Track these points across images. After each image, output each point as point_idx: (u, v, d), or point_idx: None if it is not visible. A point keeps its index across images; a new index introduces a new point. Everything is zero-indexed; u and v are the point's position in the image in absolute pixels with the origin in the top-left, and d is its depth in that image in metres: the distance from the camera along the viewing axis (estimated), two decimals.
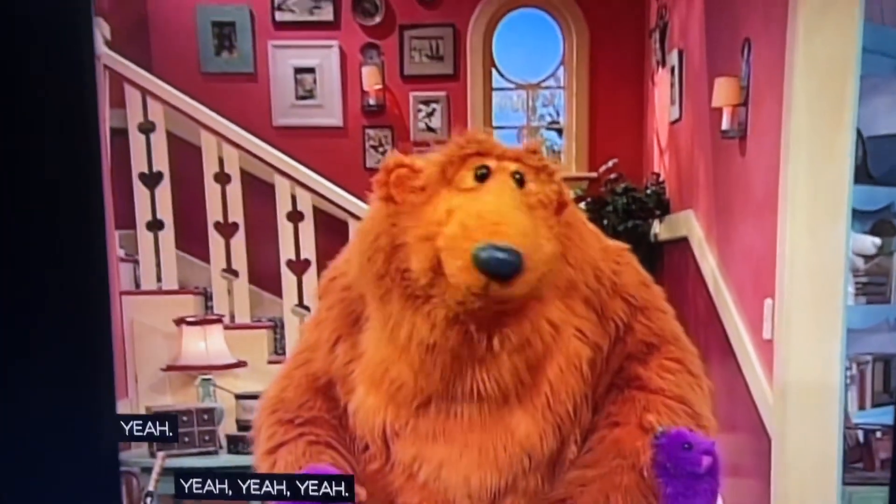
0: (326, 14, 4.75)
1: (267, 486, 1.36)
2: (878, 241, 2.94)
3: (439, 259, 1.44)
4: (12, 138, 1.03)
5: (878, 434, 2.74)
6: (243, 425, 3.65)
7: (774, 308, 2.77)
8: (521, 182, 1.50)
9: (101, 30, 4.01)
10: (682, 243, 3.90)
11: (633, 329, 1.64)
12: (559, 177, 1.57)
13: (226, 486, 1.37)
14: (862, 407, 2.87)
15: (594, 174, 4.73)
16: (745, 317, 3.08)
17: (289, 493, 1.37)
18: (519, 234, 1.40)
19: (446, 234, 1.43)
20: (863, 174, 2.85)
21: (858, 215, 2.82)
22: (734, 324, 3.13)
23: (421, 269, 1.46)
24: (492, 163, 1.50)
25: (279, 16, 4.76)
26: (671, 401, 1.61)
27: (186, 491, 1.37)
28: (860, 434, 2.78)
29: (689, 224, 3.81)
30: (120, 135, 4.08)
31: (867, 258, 2.94)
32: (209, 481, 1.35)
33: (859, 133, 2.75)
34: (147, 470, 3.17)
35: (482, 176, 1.48)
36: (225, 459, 3.58)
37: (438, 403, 1.56)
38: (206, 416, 3.58)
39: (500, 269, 1.37)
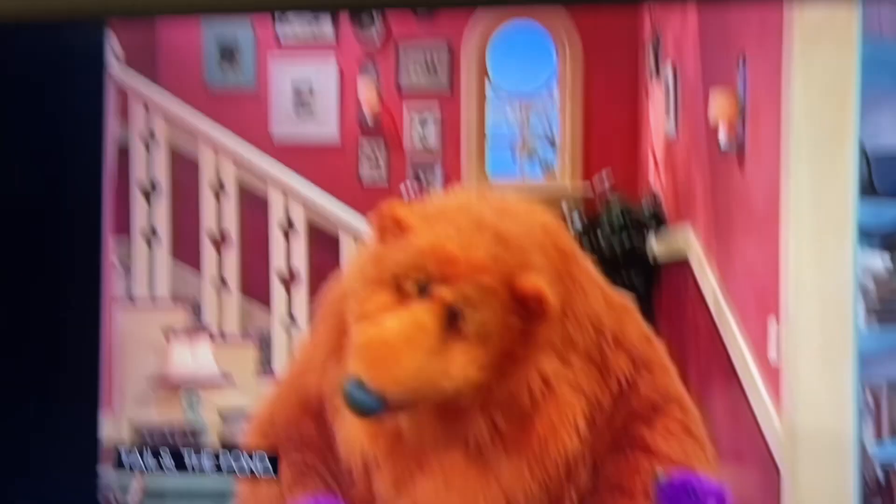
0: (325, 28, 4.49)
1: None
2: (888, 259, 2.67)
3: None
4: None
5: None
6: (227, 441, 3.46)
7: (780, 329, 2.50)
8: (454, 317, 1.31)
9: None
10: (681, 262, 3.61)
11: (636, 386, 1.47)
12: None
13: None
14: (879, 437, 2.57)
15: (588, 190, 4.51)
16: (749, 339, 2.79)
17: None
18: (393, 380, 1.27)
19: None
20: (868, 189, 2.63)
21: (866, 232, 2.55)
22: (738, 347, 2.83)
23: None
24: (434, 287, 1.31)
25: (279, 29, 4.51)
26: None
27: None
28: (880, 472, 2.46)
29: (688, 242, 3.52)
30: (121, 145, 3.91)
31: (878, 277, 2.66)
32: None
33: (863, 148, 2.49)
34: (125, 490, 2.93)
35: (422, 290, 1.32)
36: (208, 480, 3.33)
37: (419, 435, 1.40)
38: (191, 436, 3.35)
39: (357, 409, 1.31)
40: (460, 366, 1.30)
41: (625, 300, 1.56)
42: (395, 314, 1.31)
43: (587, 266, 1.51)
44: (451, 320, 1.30)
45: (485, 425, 1.35)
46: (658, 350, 1.55)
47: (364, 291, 1.36)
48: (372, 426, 1.40)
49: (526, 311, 1.30)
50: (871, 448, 2.48)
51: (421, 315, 1.30)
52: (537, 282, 1.31)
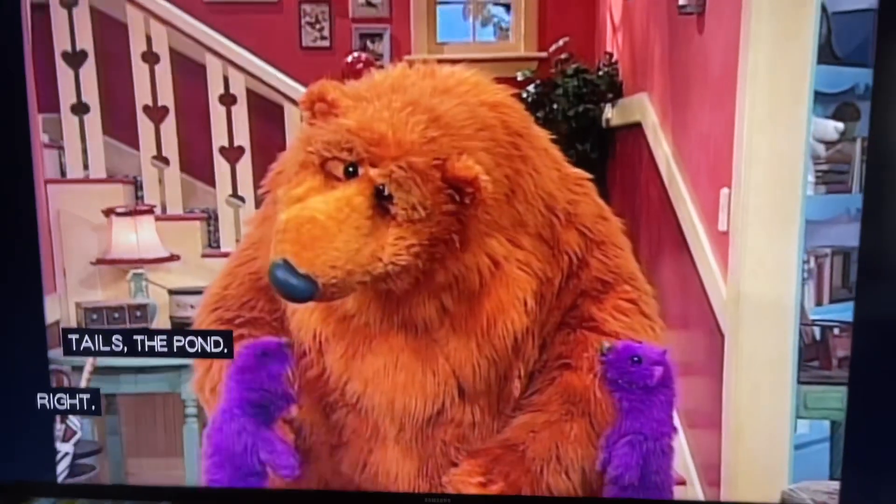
0: None
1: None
2: (840, 125, 2.72)
3: None
4: None
5: (836, 331, 2.57)
6: (177, 322, 3.50)
7: (731, 198, 2.58)
8: (381, 196, 1.34)
9: None
10: (636, 129, 3.64)
11: (588, 264, 1.55)
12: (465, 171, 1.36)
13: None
14: (819, 303, 2.71)
15: (544, 54, 4.43)
16: (700, 207, 2.87)
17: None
18: (322, 262, 1.29)
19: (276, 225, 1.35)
20: (826, 53, 2.65)
21: (820, 98, 2.60)
22: (689, 215, 2.92)
23: None
24: (363, 168, 1.34)
25: None
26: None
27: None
28: (817, 331, 2.61)
29: (642, 108, 3.54)
30: (41, 10, 3.70)
31: (829, 144, 2.73)
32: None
33: (824, 8, 2.55)
34: (78, 368, 3.01)
35: (350, 173, 1.35)
36: (158, 358, 3.40)
37: (367, 318, 1.46)
38: (138, 313, 3.37)
39: (286, 293, 1.30)
40: (391, 248, 1.32)
41: (581, 176, 1.59)
42: (322, 196, 1.32)
43: (541, 143, 1.54)
44: (381, 202, 1.31)
45: (433, 308, 1.42)
46: (612, 227, 1.62)
47: (293, 176, 1.37)
48: (322, 308, 1.45)
49: (461, 195, 1.31)
50: (812, 311, 2.63)
51: (349, 196, 1.32)
52: (472, 166, 1.31)
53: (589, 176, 1.63)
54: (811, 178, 2.63)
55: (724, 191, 2.62)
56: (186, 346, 3.17)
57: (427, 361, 1.46)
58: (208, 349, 1.54)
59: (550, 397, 1.52)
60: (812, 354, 2.63)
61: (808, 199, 2.49)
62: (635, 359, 1.53)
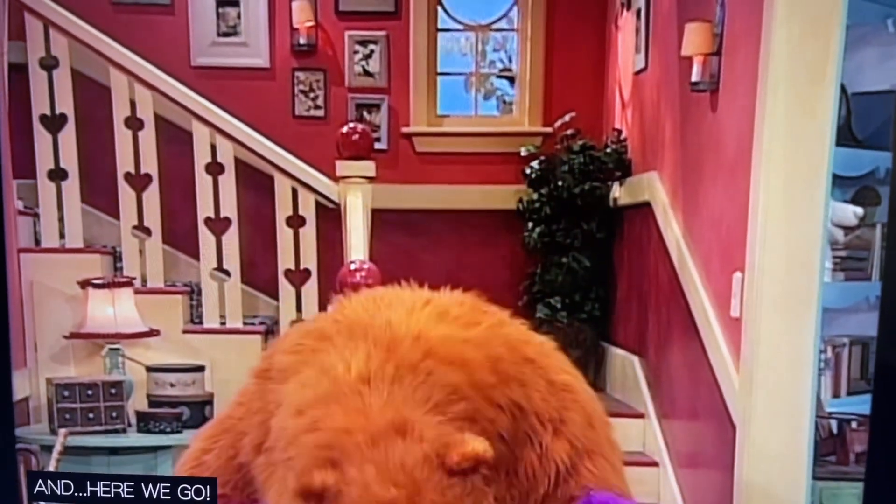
0: None
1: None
2: (860, 210, 2.85)
3: None
4: None
5: (854, 424, 2.66)
6: (155, 401, 3.57)
7: (744, 283, 2.67)
8: None
9: None
10: (645, 209, 3.78)
11: (579, 472, 1.68)
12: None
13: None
14: (836, 394, 2.80)
15: (549, 129, 4.60)
16: (711, 292, 2.97)
17: None
18: None
19: None
20: (846, 135, 2.77)
21: (839, 181, 2.72)
22: (699, 300, 3.02)
23: None
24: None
25: None
26: None
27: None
28: (834, 424, 2.70)
29: (652, 187, 3.68)
30: (19, 71, 3.89)
31: (847, 230, 2.84)
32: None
33: (843, 88, 2.66)
34: (47, 448, 3.08)
35: None
36: (134, 438, 3.47)
37: None
38: (113, 391, 3.45)
39: None
40: None
41: (570, 382, 1.74)
42: None
43: (523, 353, 1.69)
44: None
45: None
46: (602, 436, 1.74)
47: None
48: None
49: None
50: (828, 404, 2.70)
51: None
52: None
53: (575, 380, 1.75)
54: (829, 265, 2.71)
55: (737, 275, 2.71)
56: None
57: None
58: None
59: None
60: (828, 448, 2.70)
61: (825, 285, 2.55)
62: None
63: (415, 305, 1.66)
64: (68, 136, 4.00)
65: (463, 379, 1.55)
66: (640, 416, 3.66)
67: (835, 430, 2.71)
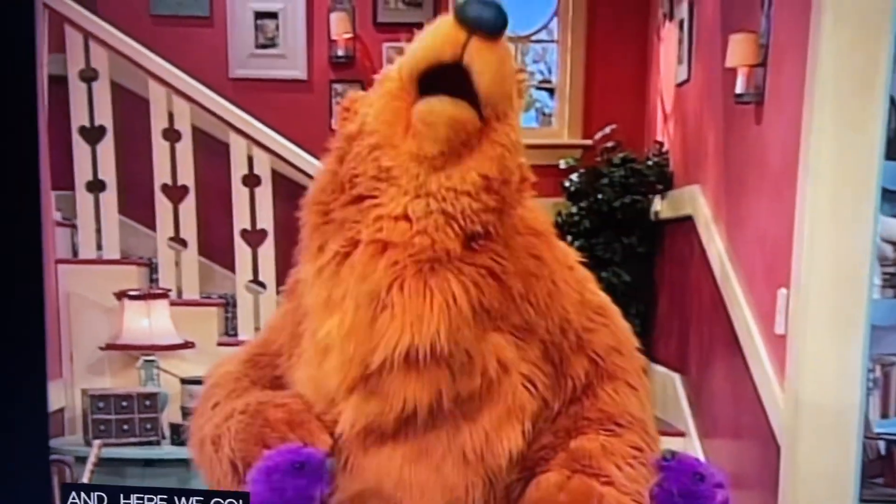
0: None
1: None
2: None
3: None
4: None
5: None
6: (189, 413, 3.57)
7: (789, 299, 2.66)
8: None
9: None
10: (687, 223, 3.77)
11: (596, 395, 1.58)
12: None
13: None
14: (885, 415, 2.76)
15: (589, 141, 4.60)
16: (755, 308, 2.96)
17: None
18: None
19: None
20: (895, 148, 2.77)
21: (889, 195, 2.68)
22: (743, 316, 3.01)
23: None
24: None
25: None
26: (626, 497, 1.50)
27: None
28: (882, 445, 2.66)
29: (694, 201, 3.68)
30: (59, 83, 3.96)
31: None
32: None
33: (892, 101, 2.61)
34: (81, 459, 3.12)
35: None
36: (167, 450, 3.50)
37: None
38: (148, 402, 3.51)
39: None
40: None
41: (605, 305, 1.65)
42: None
43: (566, 259, 1.62)
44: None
45: (447, 392, 1.44)
46: (630, 365, 1.63)
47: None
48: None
49: None
50: (876, 424, 2.67)
51: None
52: None
53: (613, 308, 1.64)
54: (877, 281, 2.69)
55: (782, 291, 2.70)
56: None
57: (422, 473, 1.47)
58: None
59: None
60: (876, 470, 2.67)
61: (873, 302, 2.54)
62: (698, 475, 1.50)
63: None
64: (106, 147, 4.08)
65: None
66: (681, 434, 3.63)
67: (882, 452, 2.67)
